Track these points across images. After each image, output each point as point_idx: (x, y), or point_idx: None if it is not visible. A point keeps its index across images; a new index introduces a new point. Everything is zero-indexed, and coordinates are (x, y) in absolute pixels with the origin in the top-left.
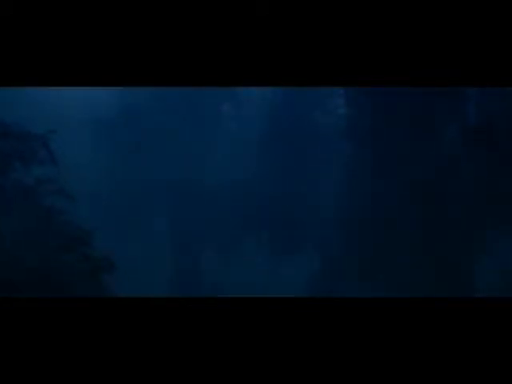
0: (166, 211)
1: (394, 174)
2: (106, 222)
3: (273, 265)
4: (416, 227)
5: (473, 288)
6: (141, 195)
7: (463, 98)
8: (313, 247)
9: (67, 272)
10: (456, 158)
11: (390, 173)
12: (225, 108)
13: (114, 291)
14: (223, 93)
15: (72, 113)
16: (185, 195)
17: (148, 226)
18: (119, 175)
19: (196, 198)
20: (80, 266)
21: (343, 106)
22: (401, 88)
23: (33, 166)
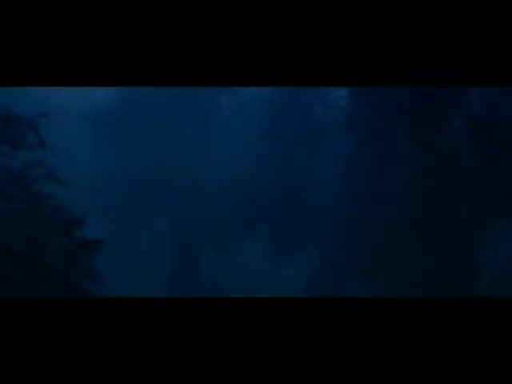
0: (165, 210)
1: (395, 172)
2: (105, 221)
3: (273, 265)
4: (416, 226)
5: (473, 287)
6: (140, 195)
7: (466, 90)
8: (313, 247)
9: (57, 258)
10: (456, 155)
11: (390, 171)
12: (223, 103)
13: (102, 272)
14: (222, 88)
15: (69, 103)
16: (184, 194)
17: (147, 225)
18: (118, 174)
19: (195, 197)
20: (69, 252)
21: (345, 98)
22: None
23: (21, 151)
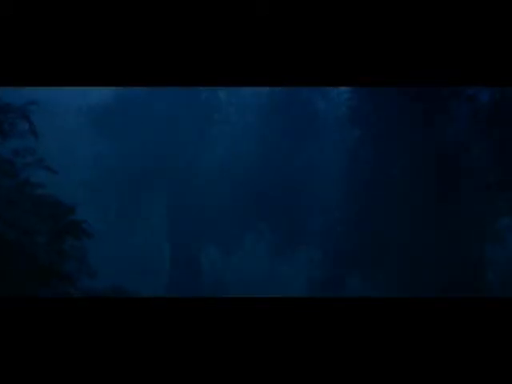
0: (165, 208)
1: (396, 171)
2: (103, 221)
3: (273, 263)
4: (417, 226)
5: (475, 287)
6: (138, 193)
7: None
8: (313, 246)
9: (46, 248)
10: (458, 152)
11: (392, 169)
12: (223, 99)
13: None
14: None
15: (64, 95)
16: (183, 191)
17: (146, 225)
18: (118, 172)
19: (194, 195)
20: (59, 242)
21: (346, 93)
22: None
23: (13, 139)
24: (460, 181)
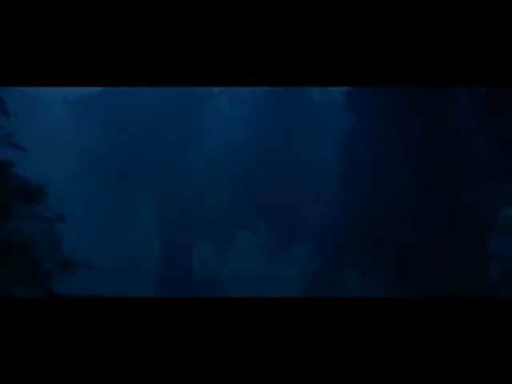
0: (157, 205)
1: (395, 169)
2: (91, 218)
3: (269, 261)
4: (417, 225)
5: (478, 286)
6: (132, 191)
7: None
8: (308, 243)
9: (16, 229)
10: (458, 147)
11: (391, 168)
12: (215, 89)
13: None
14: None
15: (55, 89)
16: (178, 189)
17: (140, 224)
18: (107, 167)
19: (189, 194)
20: (30, 224)
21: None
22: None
23: None
24: (461, 176)
